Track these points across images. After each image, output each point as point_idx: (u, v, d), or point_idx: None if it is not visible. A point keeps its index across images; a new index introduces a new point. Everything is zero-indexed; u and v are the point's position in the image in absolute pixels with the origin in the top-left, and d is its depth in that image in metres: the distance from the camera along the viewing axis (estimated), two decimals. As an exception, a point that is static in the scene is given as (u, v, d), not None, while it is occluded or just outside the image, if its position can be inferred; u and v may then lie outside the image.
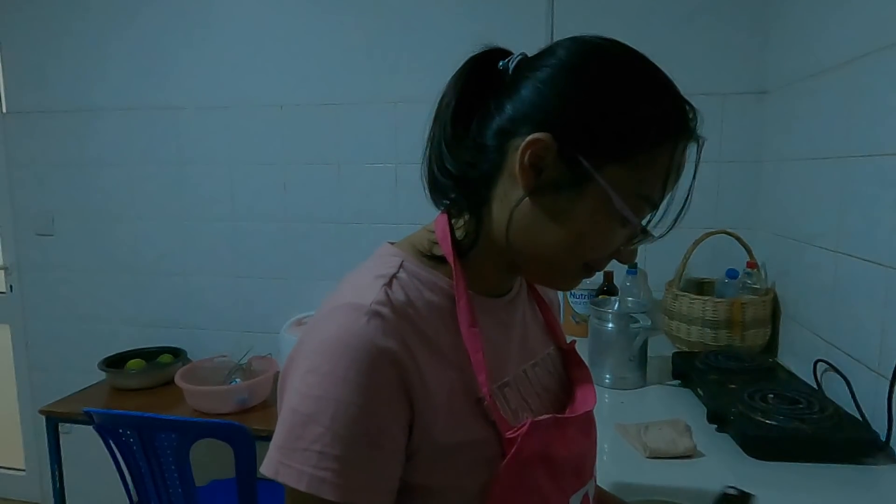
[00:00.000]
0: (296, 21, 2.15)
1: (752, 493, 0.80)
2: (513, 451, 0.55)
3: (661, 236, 0.58)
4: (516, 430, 0.56)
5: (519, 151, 0.54)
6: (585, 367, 0.73)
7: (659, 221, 0.59)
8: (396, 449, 0.52)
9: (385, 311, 0.52)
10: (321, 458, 0.49)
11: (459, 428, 0.55)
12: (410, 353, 0.52)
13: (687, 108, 0.56)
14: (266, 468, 0.50)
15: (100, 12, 2.29)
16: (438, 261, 0.60)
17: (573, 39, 0.58)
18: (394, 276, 0.57)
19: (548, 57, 0.57)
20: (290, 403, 0.51)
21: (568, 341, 0.77)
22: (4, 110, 2.44)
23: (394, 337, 0.51)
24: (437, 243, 0.61)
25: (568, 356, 0.75)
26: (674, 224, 0.57)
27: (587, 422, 0.67)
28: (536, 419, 0.57)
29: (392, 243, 0.64)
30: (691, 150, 0.58)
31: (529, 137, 0.53)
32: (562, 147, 0.54)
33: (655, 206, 0.57)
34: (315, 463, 0.49)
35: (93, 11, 2.30)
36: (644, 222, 0.58)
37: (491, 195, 0.59)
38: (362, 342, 0.50)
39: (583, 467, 0.65)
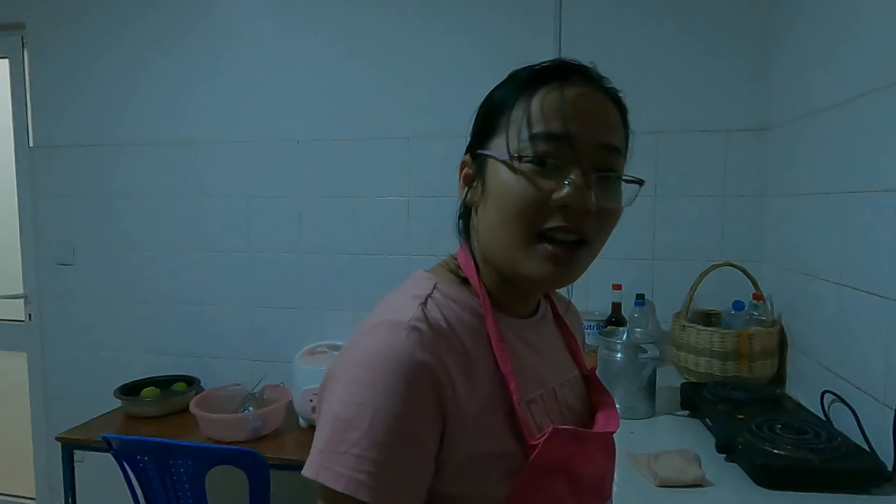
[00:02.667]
0: (313, 60, 2.24)
1: None
2: (534, 454, 0.58)
3: (596, 177, 0.60)
4: (539, 437, 0.59)
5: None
6: (608, 393, 0.77)
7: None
8: (428, 457, 0.55)
9: (422, 326, 0.57)
10: (359, 461, 0.52)
11: (488, 439, 0.58)
12: (445, 367, 0.56)
13: (539, 67, 0.64)
14: (307, 470, 0.54)
15: (124, 51, 2.40)
16: (466, 283, 0.66)
17: None
18: (429, 296, 0.61)
19: None
20: (332, 410, 0.55)
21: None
22: (31, 144, 2.53)
23: (430, 351, 0.55)
24: (461, 268, 0.68)
25: (590, 382, 0.78)
26: (640, 189, 0.63)
27: (608, 443, 0.70)
28: (559, 427, 0.61)
29: (425, 270, 0.69)
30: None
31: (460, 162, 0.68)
32: (472, 155, 0.67)
33: (571, 140, 0.59)
34: (353, 466, 0.52)
35: (117, 50, 2.41)
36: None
37: (469, 225, 0.70)
38: (401, 355, 0.54)
39: (602, 487, 0.68)
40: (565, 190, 0.58)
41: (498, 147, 0.62)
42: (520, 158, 0.59)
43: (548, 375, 0.70)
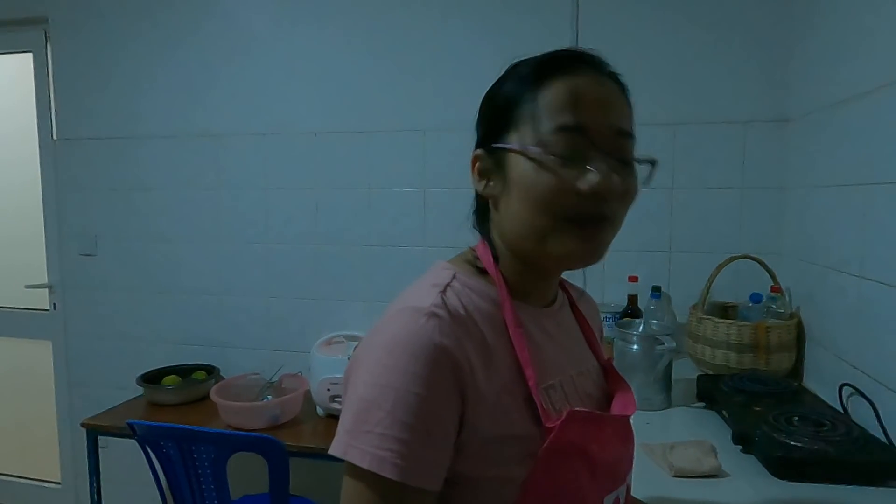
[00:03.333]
0: (330, 53, 2.25)
1: None
2: (551, 437, 0.60)
3: (615, 164, 0.62)
4: (556, 420, 0.61)
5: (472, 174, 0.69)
6: (624, 381, 0.78)
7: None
8: (448, 437, 0.58)
9: (442, 312, 0.59)
10: (383, 439, 0.55)
11: (506, 422, 0.60)
12: (464, 351, 0.58)
13: (554, 55, 0.65)
14: (334, 448, 0.57)
15: (144, 45, 2.43)
16: (484, 273, 0.68)
17: None
18: (448, 284, 0.64)
19: None
20: (358, 392, 0.58)
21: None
22: (55, 137, 2.58)
23: (449, 336, 0.58)
24: (479, 258, 0.70)
25: (607, 372, 0.80)
26: (651, 175, 0.66)
27: (625, 428, 0.71)
28: (575, 409, 0.62)
29: (445, 261, 0.71)
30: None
31: (471, 157, 0.69)
32: (486, 149, 0.68)
33: (587, 130, 0.61)
34: (377, 444, 0.55)
35: (138, 44, 2.44)
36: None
37: (488, 218, 0.71)
38: (422, 339, 0.57)
39: (618, 470, 0.69)
40: (592, 178, 0.61)
41: (517, 140, 0.63)
42: (543, 150, 0.61)
43: (565, 363, 0.71)
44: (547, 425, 0.61)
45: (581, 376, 0.73)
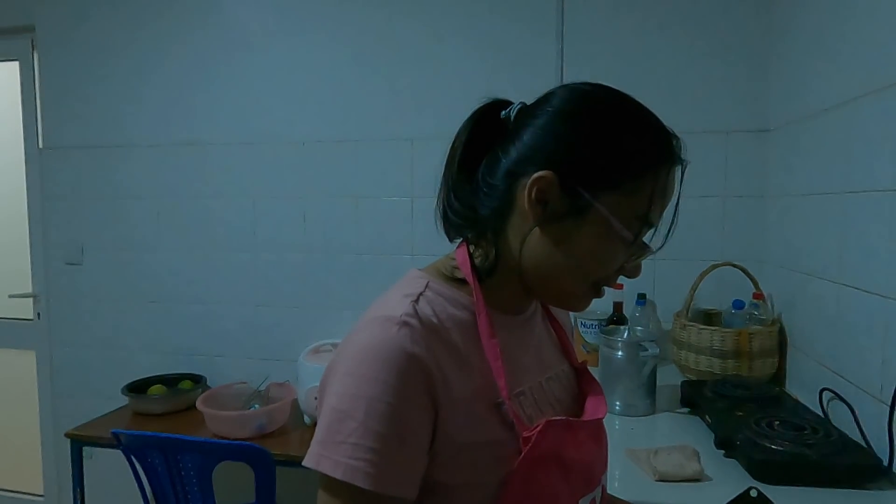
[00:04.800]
0: (317, 63, 2.27)
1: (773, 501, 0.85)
2: (528, 447, 0.61)
3: (658, 249, 0.67)
4: (532, 430, 0.62)
5: (526, 189, 0.63)
6: (597, 382, 0.79)
7: (653, 237, 0.67)
8: (422, 445, 0.58)
9: (413, 321, 0.59)
10: (356, 449, 0.55)
11: (479, 429, 0.61)
12: (435, 359, 0.59)
13: (669, 137, 0.65)
14: (307, 460, 0.57)
15: (132, 54, 2.43)
16: (460, 282, 0.68)
17: (565, 87, 0.67)
18: (420, 293, 0.64)
19: (544, 104, 0.66)
20: (330, 403, 0.58)
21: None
22: (41, 145, 2.57)
23: (420, 344, 0.58)
24: (457, 268, 0.69)
25: (580, 374, 0.81)
26: (666, 239, 0.67)
27: (598, 430, 0.73)
28: (551, 419, 0.63)
29: (419, 269, 0.71)
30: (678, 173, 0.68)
31: (534, 175, 0.62)
32: (563, 181, 0.62)
33: (652, 224, 0.66)
34: (350, 454, 0.55)
35: (125, 53, 2.44)
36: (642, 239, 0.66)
37: (506, 228, 0.66)
38: (393, 348, 0.57)
39: (592, 472, 0.70)
40: (637, 265, 0.67)
41: (613, 207, 0.62)
42: (626, 229, 0.63)
43: (536, 369, 0.72)
44: (523, 435, 0.61)
45: (550, 381, 0.74)
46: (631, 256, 0.66)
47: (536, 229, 0.64)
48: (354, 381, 0.57)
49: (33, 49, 2.56)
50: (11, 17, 2.53)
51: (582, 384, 0.79)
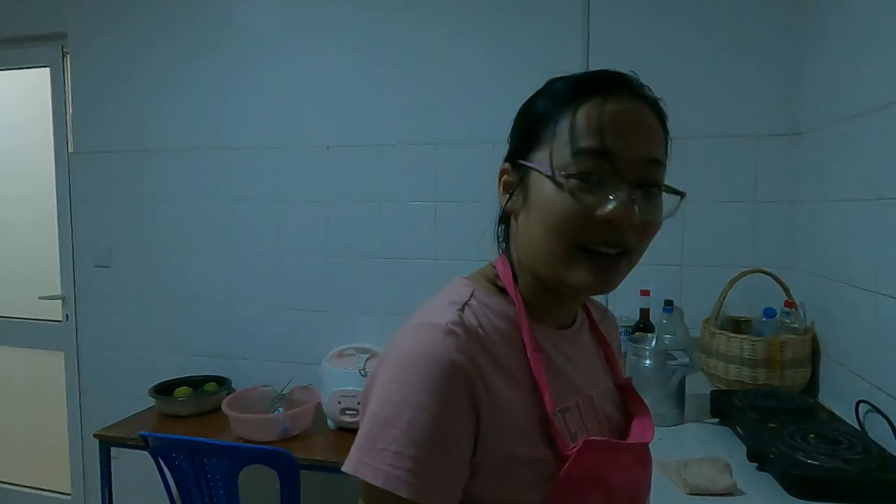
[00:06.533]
0: (342, 67, 2.27)
1: None
2: (566, 466, 0.59)
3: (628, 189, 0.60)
4: (571, 448, 0.60)
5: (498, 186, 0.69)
6: (643, 402, 0.77)
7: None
8: (463, 456, 0.57)
9: (458, 330, 0.58)
10: (397, 457, 0.54)
11: (521, 444, 0.59)
12: (479, 369, 0.58)
13: (588, 76, 0.64)
14: (346, 466, 0.56)
15: (159, 60, 2.47)
16: (503, 292, 0.68)
17: None
18: (466, 302, 0.63)
19: None
20: (372, 408, 0.58)
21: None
22: (71, 150, 2.62)
23: (465, 354, 0.57)
24: (499, 276, 0.69)
25: (625, 392, 0.78)
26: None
27: (644, 453, 0.70)
28: (591, 438, 0.62)
29: (464, 277, 0.71)
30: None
31: (499, 169, 0.69)
32: (513, 164, 0.67)
33: (614, 157, 0.59)
34: (391, 462, 0.54)
35: (153, 59, 2.47)
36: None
37: (507, 231, 0.71)
38: (437, 356, 0.56)
39: (636, 496, 0.69)
40: (610, 206, 0.58)
41: (541, 160, 0.62)
42: (564, 174, 0.59)
43: (583, 385, 0.70)
44: (563, 452, 0.60)
45: (599, 398, 0.72)
46: (593, 197, 0.59)
47: (514, 218, 0.67)
48: (398, 388, 0.56)
49: (64, 55, 2.61)
50: (44, 24, 2.59)
51: (628, 403, 0.77)
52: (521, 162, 0.65)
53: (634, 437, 0.71)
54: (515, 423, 0.60)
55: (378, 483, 0.54)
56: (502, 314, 0.65)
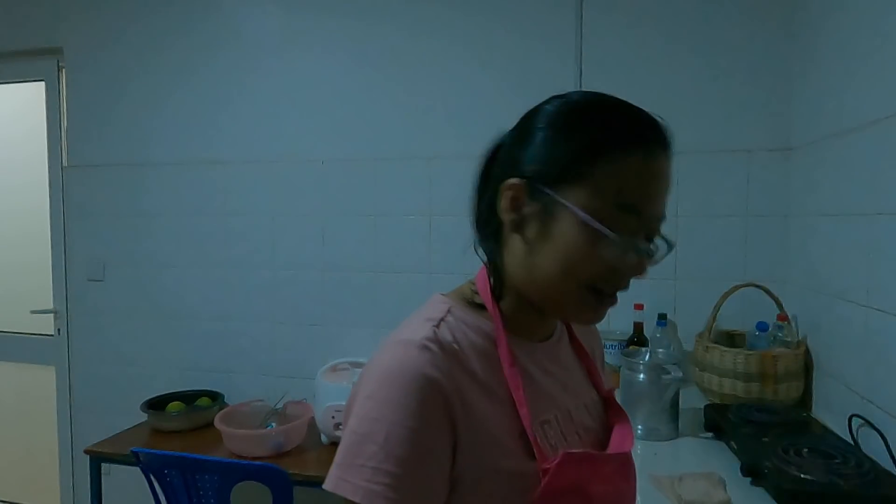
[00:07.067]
0: (336, 82, 2.29)
1: None
2: (546, 479, 0.59)
3: (658, 254, 0.64)
4: (550, 461, 0.60)
5: (501, 197, 0.64)
6: (624, 412, 0.77)
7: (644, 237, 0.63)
8: (442, 471, 0.57)
9: (433, 346, 0.59)
10: (375, 472, 0.55)
11: (501, 458, 0.60)
12: (455, 384, 0.59)
13: (640, 119, 0.62)
14: (327, 483, 0.57)
15: (154, 74, 2.48)
16: (482, 308, 0.68)
17: (538, 105, 0.67)
18: (442, 319, 0.64)
19: (517, 122, 0.68)
20: (351, 425, 0.59)
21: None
22: (65, 163, 2.62)
23: (440, 369, 0.58)
24: (477, 293, 0.69)
25: (608, 403, 0.79)
26: (669, 249, 0.65)
27: (626, 464, 0.70)
28: (570, 451, 0.62)
29: (443, 294, 0.71)
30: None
31: (505, 183, 0.64)
32: (531, 186, 0.62)
33: (634, 211, 0.61)
34: (369, 477, 0.55)
35: (148, 74, 2.48)
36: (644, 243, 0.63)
37: (501, 247, 0.67)
38: (412, 372, 0.57)
39: None
40: (635, 262, 0.61)
41: (577, 200, 0.60)
42: (600, 221, 0.59)
43: (562, 398, 0.71)
44: (542, 466, 0.60)
45: (578, 410, 0.72)
46: (622, 252, 0.60)
47: (519, 239, 0.64)
48: (375, 405, 0.57)
49: (59, 70, 2.62)
50: (39, 39, 2.59)
51: (610, 414, 0.78)
52: (547, 191, 0.61)
53: (614, 447, 0.71)
54: (494, 437, 0.60)
55: (357, 499, 0.55)
56: (479, 330, 0.65)
